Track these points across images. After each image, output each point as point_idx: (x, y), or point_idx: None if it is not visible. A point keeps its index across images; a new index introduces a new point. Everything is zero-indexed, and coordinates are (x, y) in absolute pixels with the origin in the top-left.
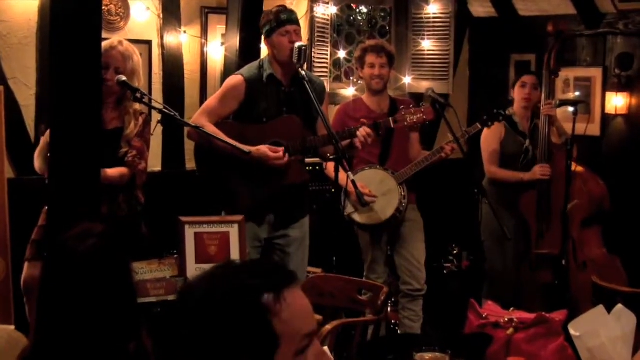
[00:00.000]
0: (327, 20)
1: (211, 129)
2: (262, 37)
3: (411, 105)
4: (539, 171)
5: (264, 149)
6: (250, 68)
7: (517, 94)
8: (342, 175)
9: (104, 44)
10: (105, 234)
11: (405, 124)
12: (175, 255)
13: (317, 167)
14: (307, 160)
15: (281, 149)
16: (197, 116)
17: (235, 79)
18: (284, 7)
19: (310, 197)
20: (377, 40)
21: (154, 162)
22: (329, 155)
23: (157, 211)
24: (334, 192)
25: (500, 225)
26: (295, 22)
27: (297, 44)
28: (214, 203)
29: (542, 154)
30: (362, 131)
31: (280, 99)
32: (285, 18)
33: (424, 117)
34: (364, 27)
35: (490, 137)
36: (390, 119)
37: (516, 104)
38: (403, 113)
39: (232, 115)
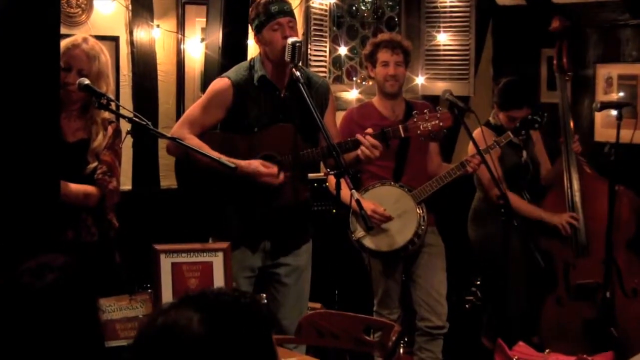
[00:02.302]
0: (325, 10)
1: (193, 142)
2: (252, 33)
3: (426, 110)
4: (567, 219)
5: (255, 163)
6: (238, 69)
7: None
8: (346, 193)
9: (65, 42)
10: (68, 267)
11: (419, 132)
12: (149, 290)
13: (315, 184)
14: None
15: (276, 167)
16: (178, 127)
17: (221, 82)
18: None
19: (315, 220)
20: (391, 34)
21: (123, 180)
22: (328, 170)
23: (126, 238)
24: (335, 212)
25: (531, 249)
26: (289, 13)
27: (289, 40)
28: (198, 228)
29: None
30: (365, 141)
31: (275, 105)
32: (276, 10)
33: (440, 123)
34: (369, 18)
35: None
36: (400, 126)
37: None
38: (415, 119)
39: (219, 125)
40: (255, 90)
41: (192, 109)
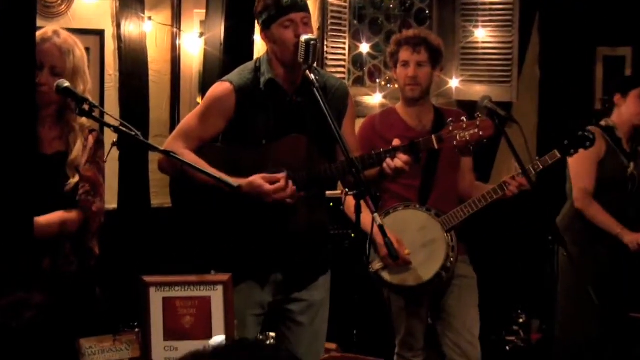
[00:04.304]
0: (345, 1)
1: (190, 157)
2: (259, 28)
3: (463, 118)
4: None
5: (257, 180)
6: (242, 72)
7: (633, 105)
8: (366, 217)
9: None
10: (46, 305)
11: (455, 143)
12: (136, 329)
13: (331, 203)
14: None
15: (282, 176)
16: (172, 140)
17: (222, 87)
18: None
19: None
20: (416, 29)
21: (108, 197)
22: (346, 190)
23: (111, 266)
24: (354, 237)
25: (583, 283)
26: (303, 7)
27: (303, 37)
28: (196, 257)
29: None
30: (398, 161)
31: (285, 113)
32: (289, 3)
33: (480, 132)
34: (395, 10)
35: (585, 153)
36: (434, 136)
37: (626, 116)
38: (451, 129)
39: (221, 137)
40: (262, 96)
41: (189, 118)
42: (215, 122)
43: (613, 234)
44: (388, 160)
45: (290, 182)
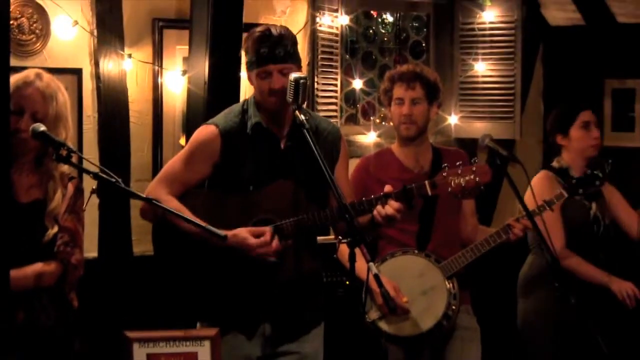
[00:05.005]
0: (336, 35)
1: (173, 204)
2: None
3: (458, 163)
4: (628, 289)
5: (242, 233)
6: (228, 114)
7: (578, 138)
8: (362, 264)
9: (14, 78)
10: None
11: (450, 189)
12: None
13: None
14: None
15: (268, 230)
16: (155, 185)
17: (207, 131)
18: (268, 31)
19: (325, 295)
20: (411, 64)
21: (88, 246)
22: (339, 237)
23: (91, 319)
24: (348, 285)
25: (593, 332)
26: (282, 58)
27: (292, 76)
28: (181, 309)
29: None
30: (389, 208)
31: (274, 159)
32: (266, 53)
33: (477, 179)
34: (390, 43)
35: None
36: (427, 183)
37: (573, 153)
38: (445, 174)
39: (207, 183)
40: (249, 141)
41: (172, 163)
42: (200, 167)
43: (600, 283)
44: (379, 207)
45: (276, 238)
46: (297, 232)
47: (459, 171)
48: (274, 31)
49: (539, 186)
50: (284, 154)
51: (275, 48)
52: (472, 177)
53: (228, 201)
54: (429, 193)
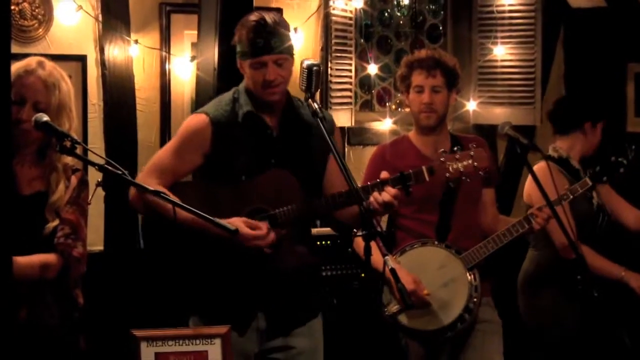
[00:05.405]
0: (350, 18)
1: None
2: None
3: (456, 148)
4: None
5: (237, 223)
6: (219, 103)
7: (597, 137)
8: (378, 257)
9: (15, 67)
10: None
11: (448, 175)
12: None
13: (328, 242)
14: (316, 230)
15: (264, 224)
16: (144, 175)
17: (197, 119)
18: (263, 20)
19: (325, 287)
20: (429, 50)
21: (94, 239)
22: (355, 231)
23: (97, 316)
24: (364, 277)
25: (617, 328)
26: (277, 48)
27: (305, 63)
28: (174, 305)
29: None
30: (386, 195)
31: (266, 147)
32: (262, 44)
33: (475, 164)
34: (406, 27)
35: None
36: (424, 168)
37: (585, 147)
38: (443, 159)
39: (197, 173)
40: (241, 129)
41: (162, 152)
42: (190, 156)
43: (616, 278)
44: (375, 194)
45: (272, 232)
46: (292, 221)
47: (457, 156)
48: (269, 20)
49: (546, 177)
50: (276, 143)
51: (271, 38)
52: (470, 162)
53: (219, 191)
54: (427, 178)
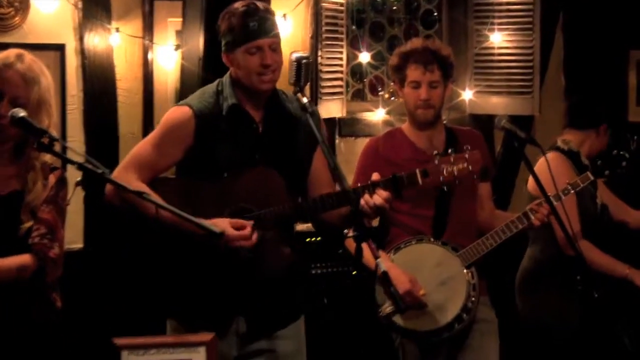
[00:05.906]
0: (341, 4)
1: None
2: (223, 49)
3: (450, 150)
4: None
5: (221, 224)
6: (202, 95)
7: (604, 140)
8: (370, 256)
9: None
10: None
11: (442, 178)
12: None
13: (318, 239)
14: (306, 226)
15: (249, 224)
16: (122, 169)
17: (179, 111)
18: (253, 4)
19: (312, 287)
20: (423, 39)
21: (73, 236)
22: (345, 231)
23: (74, 323)
24: (356, 275)
25: (618, 329)
26: (271, 32)
27: (294, 55)
28: (154, 307)
29: None
30: (377, 197)
31: (250, 143)
32: (256, 27)
33: (469, 167)
34: (399, 13)
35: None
36: (418, 171)
37: (594, 145)
38: (437, 162)
39: (179, 168)
40: (225, 123)
41: (141, 147)
42: (171, 150)
43: (620, 276)
44: (366, 197)
45: (255, 234)
46: (277, 222)
47: (452, 159)
48: (259, 5)
49: (559, 168)
50: (261, 139)
51: (264, 22)
52: (464, 165)
53: (201, 188)
54: (420, 182)
